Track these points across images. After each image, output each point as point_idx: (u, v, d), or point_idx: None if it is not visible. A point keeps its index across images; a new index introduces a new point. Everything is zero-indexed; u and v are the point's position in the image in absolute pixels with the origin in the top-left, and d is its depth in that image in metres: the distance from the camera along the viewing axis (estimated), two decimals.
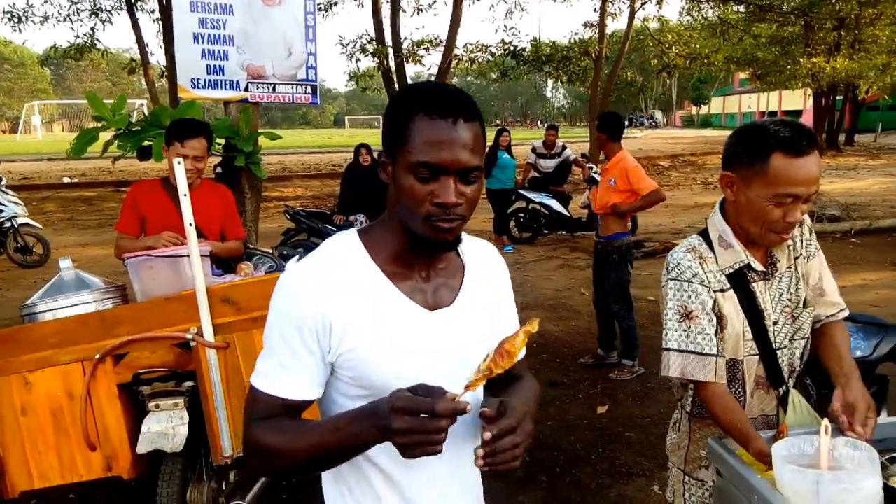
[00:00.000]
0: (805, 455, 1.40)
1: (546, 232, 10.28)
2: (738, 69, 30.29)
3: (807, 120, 34.94)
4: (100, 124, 4.71)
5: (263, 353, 1.18)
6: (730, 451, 1.57)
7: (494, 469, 1.03)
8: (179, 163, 2.54)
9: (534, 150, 10.64)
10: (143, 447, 2.57)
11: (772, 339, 1.72)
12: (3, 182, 9.08)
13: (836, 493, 1.24)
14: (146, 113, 4.85)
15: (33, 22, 15.17)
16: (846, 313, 1.83)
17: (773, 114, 50.74)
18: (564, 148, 10.55)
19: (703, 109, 67.04)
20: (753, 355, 1.72)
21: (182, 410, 2.61)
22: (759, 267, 1.71)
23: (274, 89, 5.41)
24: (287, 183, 18.56)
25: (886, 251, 8.87)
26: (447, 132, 1.07)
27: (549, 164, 10.45)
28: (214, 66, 5.18)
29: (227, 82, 5.22)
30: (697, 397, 1.76)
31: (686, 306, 1.68)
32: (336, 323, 1.12)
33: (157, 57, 14.98)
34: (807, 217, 1.78)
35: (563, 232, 10.40)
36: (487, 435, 1.02)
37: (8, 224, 8.74)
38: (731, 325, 1.69)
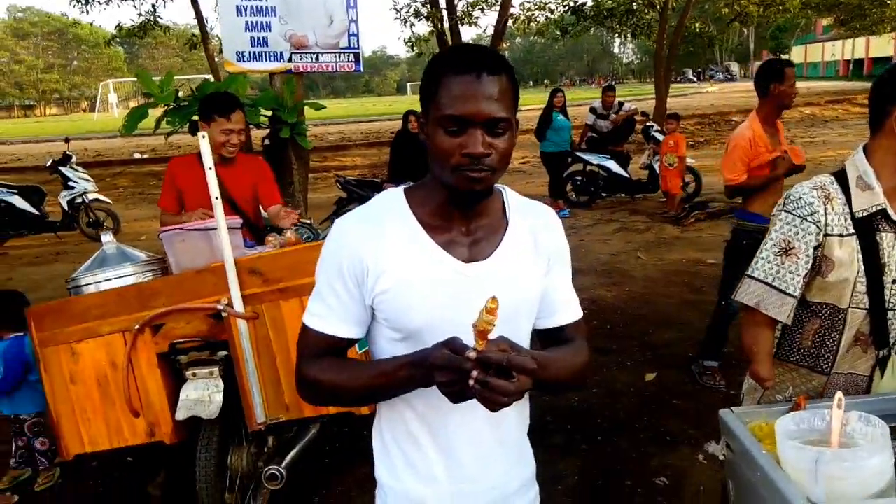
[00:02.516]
0: (815, 430, 1.33)
1: (605, 195, 10.02)
2: (819, 15, 28.44)
3: None
4: (149, 100, 4.85)
5: (313, 294, 1.28)
6: (740, 425, 1.49)
7: (483, 400, 1.06)
8: (203, 136, 2.57)
9: (592, 109, 10.32)
10: (181, 414, 2.67)
11: (886, 298, 1.61)
12: (74, 160, 9.52)
13: (837, 471, 1.16)
14: (193, 88, 4.93)
15: (98, 2, 15.67)
16: None
17: (859, 62, 47.60)
18: (622, 104, 10.19)
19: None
20: (862, 309, 1.63)
21: (217, 378, 2.69)
22: (895, 216, 1.59)
23: (317, 59, 5.42)
24: (345, 152, 18.76)
25: None
26: (471, 85, 1.12)
27: (607, 124, 10.13)
28: (258, 37, 5.23)
29: (272, 54, 5.27)
30: (743, 317, 1.71)
31: (789, 241, 1.61)
32: (372, 267, 1.20)
33: (218, 31, 15.26)
34: None
35: (623, 194, 10.12)
36: (472, 354, 1.05)
37: (79, 200, 9.19)
38: (837, 272, 1.60)
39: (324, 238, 4.50)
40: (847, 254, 1.59)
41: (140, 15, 15.79)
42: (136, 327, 2.67)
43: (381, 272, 1.21)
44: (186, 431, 2.78)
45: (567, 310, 1.38)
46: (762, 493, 1.30)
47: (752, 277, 1.64)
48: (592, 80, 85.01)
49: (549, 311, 1.36)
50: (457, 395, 1.09)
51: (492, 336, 1.07)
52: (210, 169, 2.57)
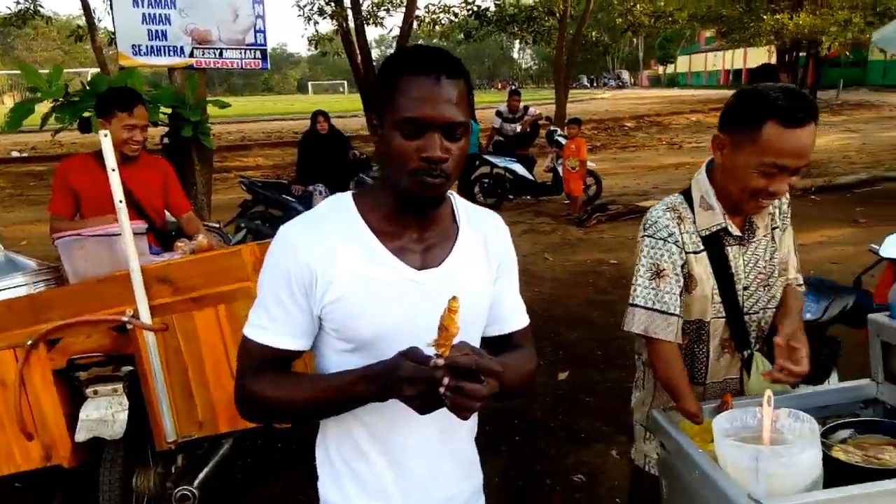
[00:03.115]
0: (748, 427, 1.37)
1: (511, 197, 10.19)
2: (703, 27, 30.27)
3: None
4: (36, 95, 4.49)
5: (256, 304, 1.22)
6: (673, 424, 1.54)
7: (455, 406, 1.03)
8: (105, 135, 2.39)
9: (499, 113, 10.51)
10: (81, 435, 2.47)
11: (741, 304, 1.72)
12: None
13: (775, 468, 1.21)
14: (84, 83, 4.61)
15: None
16: (803, 288, 1.87)
17: (738, 72, 51.02)
18: (527, 108, 10.43)
19: (670, 69, 67.07)
20: (720, 317, 1.72)
21: (121, 396, 2.51)
22: (735, 231, 1.70)
23: (221, 55, 5.21)
24: (247, 152, 18.16)
25: (845, 208, 8.98)
26: (430, 88, 1.10)
27: (513, 128, 10.33)
28: (156, 31, 4.96)
29: (171, 48, 5.01)
30: (647, 349, 1.75)
31: (658, 264, 1.67)
32: (321, 275, 1.16)
33: (106, 23, 14.34)
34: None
35: (528, 196, 10.34)
36: (440, 361, 1.02)
37: None
38: (700, 287, 1.69)
39: (236, 243, 4.33)
40: (703, 269, 1.69)
41: (18, 3, 14.64)
42: (29, 342, 2.45)
43: (331, 280, 1.16)
44: (87, 453, 2.58)
45: (516, 317, 1.37)
46: (700, 492, 1.33)
47: (635, 305, 1.69)
48: (493, 83, 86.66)
49: (498, 318, 1.34)
50: (427, 405, 1.06)
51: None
52: (113, 170, 2.39)
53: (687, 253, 1.68)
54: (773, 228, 1.78)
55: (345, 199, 1.24)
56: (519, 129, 10.34)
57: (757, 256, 1.74)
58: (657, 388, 1.83)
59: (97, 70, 12.84)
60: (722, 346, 1.75)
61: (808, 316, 2.28)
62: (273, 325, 1.19)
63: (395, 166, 1.14)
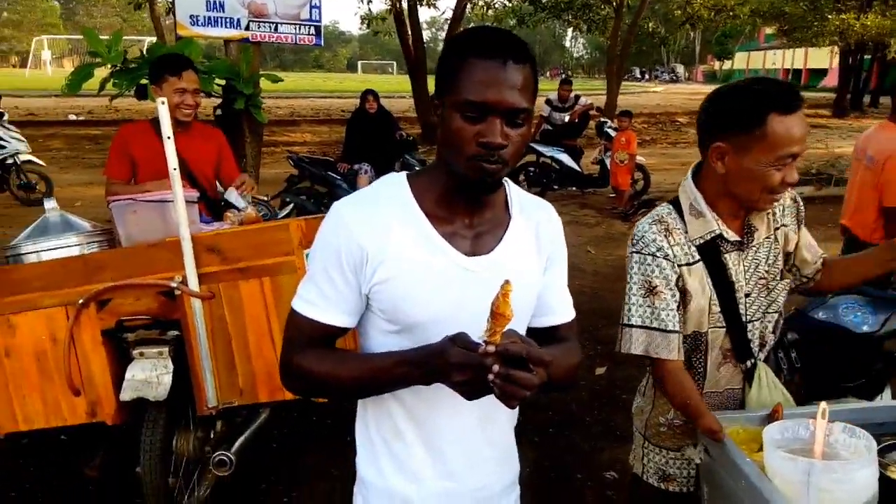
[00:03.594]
0: (799, 439, 1.33)
1: (556, 187, 10.08)
2: (765, 23, 29.35)
3: (832, 79, 33.99)
4: (96, 60, 4.58)
5: (305, 279, 1.22)
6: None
7: (504, 394, 1.02)
8: (163, 103, 2.42)
9: (548, 102, 10.36)
10: (126, 394, 2.53)
11: (742, 312, 1.65)
12: (6, 118, 8.97)
13: (827, 483, 1.17)
14: (142, 51, 4.68)
15: None
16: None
17: (797, 72, 49.48)
18: (578, 98, 10.27)
19: (727, 65, 65.38)
20: (720, 327, 1.65)
21: (166, 359, 2.56)
22: (732, 237, 1.62)
23: (276, 29, 5.24)
24: (295, 128, 18.34)
25: None
26: (495, 72, 1.08)
27: (563, 118, 10.20)
28: (215, 2, 5.01)
29: (228, 20, 5.06)
30: (653, 373, 1.69)
31: (650, 281, 1.59)
32: (371, 254, 1.15)
33: None
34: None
35: (574, 188, 10.21)
36: (490, 348, 1.01)
37: (10, 161, 8.67)
38: (695, 300, 1.61)
39: (282, 217, 4.37)
40: (697, 281, 1.60)
41: None
42: (81, 301, 2.50)
43: (381, 261, 1.15)
44: (130, 413, 2.64)
45: (563, 309, 1.35)
46: (745, 501, 1.30)
47: (631, 325, 1.62)
48: (543, 71, 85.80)
49: (545, 309, 1.33)
50: (475, 392, 1.05)
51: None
52: (169, 138, 2.43)
53: (679, 266, 1.60)
54: (777, 228, 1.69)
55: (399, 180, 1.23)
56: (568, 118, 10.20)
57: (758, 261, 1.65)
58: (657, 396, 1.77)
59: (154, 39, 13.08)
60: (723, 356, 1.68)
61: (866, 328, 2.20)
62: (322, 300, 1.19)
63: (453, 149, 1.12)
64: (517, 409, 1.35)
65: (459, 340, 1.04)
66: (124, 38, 4.72)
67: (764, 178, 1.50)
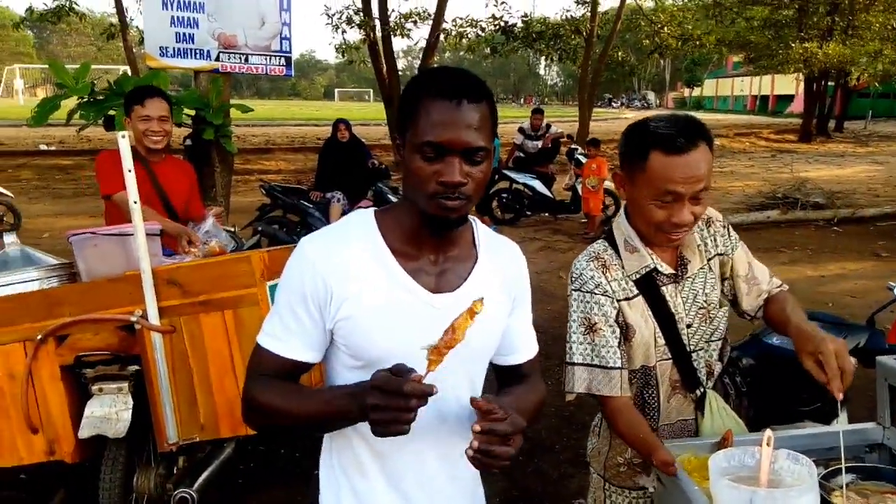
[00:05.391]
0: (745, 466, 1.34)
1: (529, 213, 10.20)
2: (731, 52, 30.10)
3: (798, 105, 34.87)
4: (63, 91, 4.57)
5: (270, 313, 1.23)
6: (671, 458, 1.51)
7: (484, 466, 1.08)
8: (123, 136, 2.42)
9: (521, 130, 10.54)
10: (84, 432, 2.48)
11: (685, 343, 1.66)
12: None
13: None
14: (110, 82, 4.68)
15: None
16: (786, 288, 1.78)
17: (765, 98, 50.68)
18: (549, 126, 10.44)
19: (696, 92, 66.83)
20: (666, 360, 1.66)
21: (126, 395, 2.52)
22: (667, 270, 1.64)
23: (246, 60, 5.27)
24: (270, 156, 18.32)
25: (868, 241, 8.86)
26: (451, 113, 1.10)
27: (535, 145, 10.35)
28: (184, 33, 5.03)
29: (197, 51, 5.08)
30: (602, 412, 1.69)
31: (589, 318, 1.60)
32: (336, 291, 1.16)
33: (138, 22, 14.56)
34: (714, 212, 1.74)
35: (546, 214, 10.32)
36: (477, 427, 1.05)
37: None
38: (639, 334, 1.62)
39: (249, 248, 4.36)
40: (638, 314, 1.62)
41: None
42: (39, 337, 2.48)
43: (346, 297, 1.17)
44: (90, 450, 2.60)
45: (527, 347, 1.38)
46: None
47: (573, 364, 1.63)
48: (518, 98, 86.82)
49: (510, 348, 1.35)
50: (384, 422, 1.04)
51: (450, 368, 1.06)
52: (130, 171, 2.42)
53: (619, 301, 1.61)
54: (710, 259, 1.70)
55: (367, 216, 1.25)
56: (540, 145, 10.36)
57: (695, 291, 1.67)
58: (613, 437, 1.76)
59: (127, 68, 13.05)
60: (672, 387, 1.69)
61: None
62: (286, 335, 1.20)
63: (415, 188, 1.14)
64: None
65: (395, 368, 1.05)
66: (98, 66, 4.72)
67: (649, 213, 1.54)
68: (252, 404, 1.21)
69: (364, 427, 1.19)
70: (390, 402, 1.02)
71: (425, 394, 1.02)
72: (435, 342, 1.06)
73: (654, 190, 1.50)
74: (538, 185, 9.88)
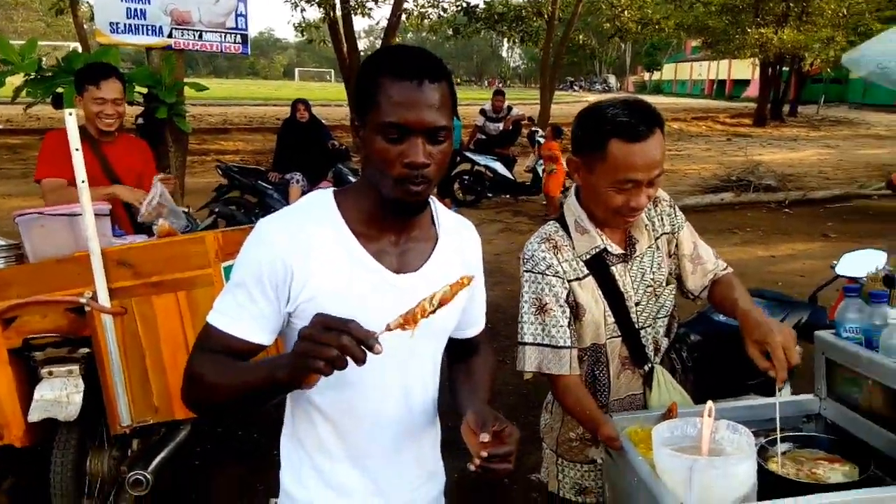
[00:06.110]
0: (687, 437, 1.39)
1: (490, 195, 10.25)
2: (690, 37, 30.51)
3: (753, 90, 35.55)
4: (7, 68, 4.41)
5: (223, 292, 1.20)
6: (617, 430, 1.55)
7: (489, 475, 1.08)
8: (71, 114, 2.36)
9: (482, 112, 10.55)
10: (34, 415, 2.44)
11: (634, 320, 1.70)
12: None
13: (709, 479, 1.23)
14: (59, 59, 4.53)
15: None
16: (731, 270, 1.83)
17: (722, 83, 51.55)
18: (511, 109, 10.47)
19: (656, 75, 67.60)
20: (616, 337, 1.70)
21: (77, 378, 2.48)
22: (616, 250, 1.68)
23: (200, 37, 5.15)
24: (227, 136, 17.98)
25: (818, 222, 9.13)
26: (413, 93, 1.09)
27: (496, 127, 10.38)
28: (135, 9, 4.89)
29: (149, 27, 4.94)
30: (551, 389, 1.73)
31: (540, 299, 1.62)
32: (297, 273, 1.14)
33: None
34: (662, 192, 1.76)
35: (507, 195, 10.38)
36: (484, 454, 1.06)
37: None
38: (589, 313, 1.66)
39: (203, 229, 4.29)
40: (589, 294, 1.66)
41: None
42: None
43: (307, 279, 1.15)
44: (40, 434, 2.55)
45: (481, 319, 1.44)
46: (638, 498, 1.35)
47: (524, 343, 1.65)
48: (481, 81, 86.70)
49: (466, 323, 1.40)
50: (305, 354, 0.97)
51: (417, 347, 1.12)
52: (77, 150, 2.36)
53: (569, 281, 1.64)
54: (658, 238, 1.75)
55: (325, 197, 1.23)
56: (501, 127, 10.40)
57: (643, 270, 1.71)
58: (564, 414, 1.80)
59: (78, 45, 12.63)
60: (622, 364, 1.73)
61: None
62: (237, 312, 1.16)
63: (378, 171, 1.13)
64: (438, 428, 1.42)
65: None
66: (47, 43, 4.56)
67: (607, 199, 1.56)
68: (188, 377, 1.17)
69: (327, 406, 1.22)
70: (321, 335, 0.96)
71: (368, 343, 0.96)
72: (409, 309, 1.04)
73: (614, 177, 1.52)
74: (499, 167, 9.92)
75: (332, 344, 0.95)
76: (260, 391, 1.10)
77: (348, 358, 0.95)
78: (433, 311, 1.04)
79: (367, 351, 0.97)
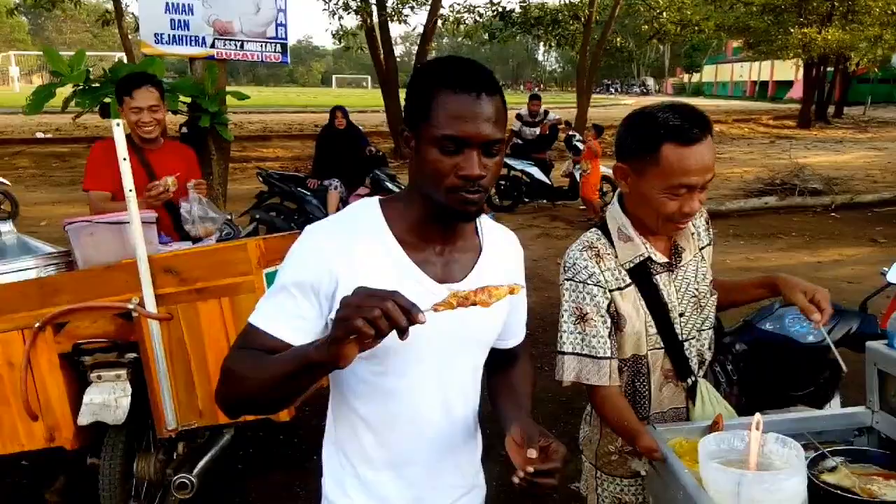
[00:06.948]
0: (735, 450, 1.36)
1: (527, 200, 10.20)
2: (730, 37, 29.98)
3: (797, 91, 34.77)
4: (57, 79, 4.56)
5: (267, 295, 1.20)
6: (663, 441, 1.53)
7: (533, 489, 1.09)
8: (118, 125, 2.42)
9: (519, 117, 10.51)
10: (84, 419, 2.50)
11: (678, 332, 1.66)
12: None
13: (757, 493, 1.20)
14: (105, 69, 4.67)
15: None
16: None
17: (764, 84, 50.51)
18: (547, 113, 10.42)
19: (696, 77, 66.58)
20: (658, 349, 1.66)
21: (125, 382, 2.54)
22: (661, 259, 1.64)
23: (242, 46, 5.24)
24: (267, 143, 18.28)
25: (865, 227, 8.88)
26: (471, 106, 1.09)
27: (533, 132, 10.34)
28: (179, 20, 5.01)
29: (193, 38, 5.06)
30: (590, 400, 1.70)
31: (581, 308, 1.60)
32: (343, 280, 1.14)
33: (133, 8, 14.50)
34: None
35: (544, 200, 10.32)
36: (530, 469, 1.07)
37: None
38: (630, 324, 1.62)
39: (245, 236, 4.36)
40: (630, 304, 1.62)
41: None
42: (37, 325, 2.48)
43: (352, 286, 1.12)
44: (89, 436, 2.62)
45: (522, 330, 1.44)
46: None
47: (563, 353, 1.62)
48: (517, 84, 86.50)
49: (507, 334, 1.40)
50: (347, 319, 0.94)
51: (458, 359, 1.11)
52: (125, 160, 2.42)
53: (611, 291, 1.60)
54: (702, 248, 1.72)
55: (372, 206, 1.23)
56: (538, 131, 10.36)
57: (688, 280, 1.67)
58: (603, 425, 1.78)
59: (123, 55, 12.99)
60: (664, 376, 1.69)
61: (811, 339, 2.26)
62: (278, 313, 1.15)
63: (432, 181, 1.13)
64: (480, 435, 1.42)
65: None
66: (94, 53, 4.72)
67: (659, 205, 1.52)
68: (225, 372, 1.15)
69: (370, 415, 1.23)
70: (364, 301, 0.93)
71: (412, 315, 0.93)
72: (464, 290, 1.04)
73: (667, 182, 1.48)
74: (536, 172, 9.88)
75: (375, 306, 0.92)
76: (292, 377, 1.06)
77: (391, 329, 0.93)
78: (480, 303, 1.04)
79: (410, 323, 0.94)
